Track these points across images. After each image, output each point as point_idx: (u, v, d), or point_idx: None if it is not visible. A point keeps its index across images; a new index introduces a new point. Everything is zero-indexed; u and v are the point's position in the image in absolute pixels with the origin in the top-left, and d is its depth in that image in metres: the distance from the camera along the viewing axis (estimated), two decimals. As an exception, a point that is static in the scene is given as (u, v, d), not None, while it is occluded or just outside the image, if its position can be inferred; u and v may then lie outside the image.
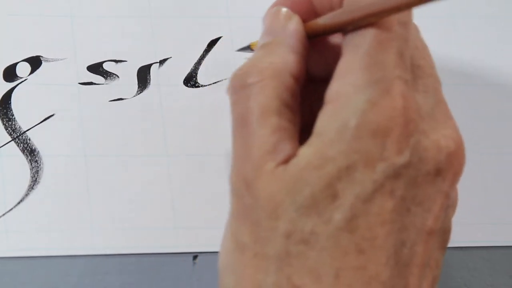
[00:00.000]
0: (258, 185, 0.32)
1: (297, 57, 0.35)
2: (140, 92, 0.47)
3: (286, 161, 0.32)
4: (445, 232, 0.35)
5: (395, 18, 0.33)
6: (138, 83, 0.47)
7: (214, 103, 0.47)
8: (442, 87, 0.35)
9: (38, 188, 0.45)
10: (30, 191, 0.45)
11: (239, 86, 0.34)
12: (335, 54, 0.36)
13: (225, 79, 0.48)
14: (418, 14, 0.35)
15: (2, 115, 0.46)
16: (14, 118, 0.46)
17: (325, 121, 0.32)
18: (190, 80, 0.48)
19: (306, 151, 0.32)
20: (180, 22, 0.48)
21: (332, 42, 0.37)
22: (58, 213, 0.45)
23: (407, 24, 0.33)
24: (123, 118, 0.46)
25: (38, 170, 0.45)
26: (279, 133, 0.33)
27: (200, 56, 0.48)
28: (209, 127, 0.47)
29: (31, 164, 0.45)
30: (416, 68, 0.34)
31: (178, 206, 0.45)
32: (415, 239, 0.32)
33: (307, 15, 0.37)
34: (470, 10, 0.50)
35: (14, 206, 0.44)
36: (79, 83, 0.47)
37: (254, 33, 0.48)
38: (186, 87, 0.47)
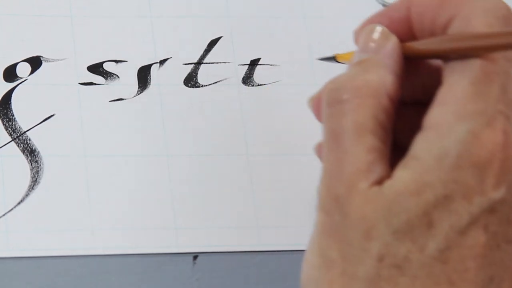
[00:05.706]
0: (350, 204, 0.32)
1: (394, 78, 0.34)
2: (140, 92, 0.47)
3: (380, 182, 0.32)
4: None
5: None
6: (138, 83, 0.47)
7: (214, 103, 0.47)
8: None
9: (38, 188, 0.45)
10: (30, 191, 0.45)
11: (334, 100, 0.34)
12: (430, 77, 0.35)
13: (225, 79, 0.48)
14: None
15: (2, 115, 0.46)
16: (14, 118, 0.46)
17: (423, 146, 0.32)
18: (190, 80, 0.48)
19: (403, 174, 0.32)
20: (180, 22, 0.48)
21: (427, 65, 0.36)
22: (58, 213, 0.45)
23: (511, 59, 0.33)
24: (123, 118, 0.46)
25: (38, 171, 0.45)
26: (373, 153, 0.33)
27: (200, 56, 0.48)
28: (209, 127, 0.47)
29: (31, 164, 0.45)
30: None
31: (178, 206, 0.45)
32: (503, 276, 0.32)
33: (404, 36, 0.36)
34: None
35: (15, 206, 0.44)
36: (79, 83, 0.47)
37: (254, 33, 0.49)
38: (186, 87, 0.47)
